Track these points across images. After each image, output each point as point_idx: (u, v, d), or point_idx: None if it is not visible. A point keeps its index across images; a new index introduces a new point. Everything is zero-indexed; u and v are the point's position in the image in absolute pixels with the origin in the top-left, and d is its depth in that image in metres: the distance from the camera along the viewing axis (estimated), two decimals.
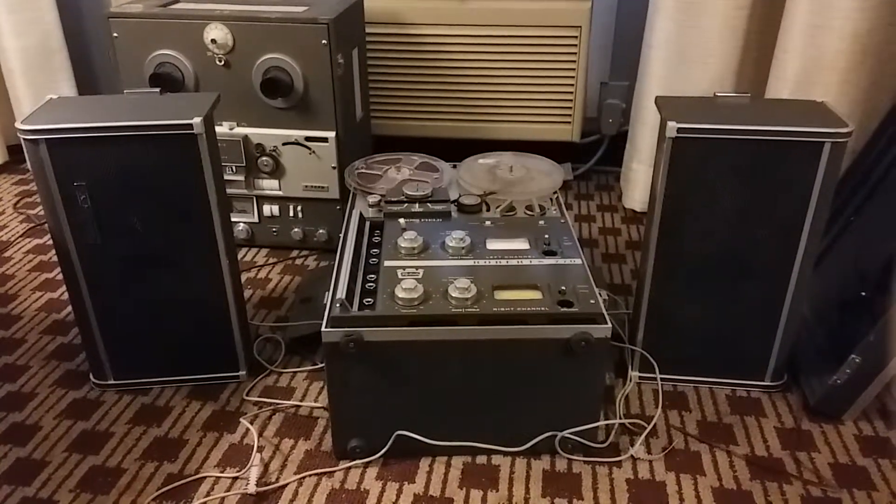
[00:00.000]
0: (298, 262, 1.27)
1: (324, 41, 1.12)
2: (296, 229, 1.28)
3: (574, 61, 1.38)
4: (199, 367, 0.95)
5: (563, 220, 0.95)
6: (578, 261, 0.85)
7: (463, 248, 0.87)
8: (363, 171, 1.07)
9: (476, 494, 0.80)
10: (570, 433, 0.83)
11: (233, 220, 1.26)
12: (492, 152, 1.11)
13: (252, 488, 0.80)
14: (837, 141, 0.79)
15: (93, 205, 0.83)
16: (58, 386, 0.96)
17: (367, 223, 0.95)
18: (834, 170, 0.81)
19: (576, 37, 1.36)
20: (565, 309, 0.77)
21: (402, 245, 0.87)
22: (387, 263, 0.85)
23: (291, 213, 1.27)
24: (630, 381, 0.96)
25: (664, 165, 0.83)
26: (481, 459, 0.84)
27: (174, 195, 0.85)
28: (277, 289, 1.19)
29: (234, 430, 0.89)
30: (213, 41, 1.14)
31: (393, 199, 0.98)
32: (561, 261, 0.85)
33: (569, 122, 1.45)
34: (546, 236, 0.90)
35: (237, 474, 0.83)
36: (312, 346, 1.02)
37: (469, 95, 1.44)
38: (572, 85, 1.41)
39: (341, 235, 0.92)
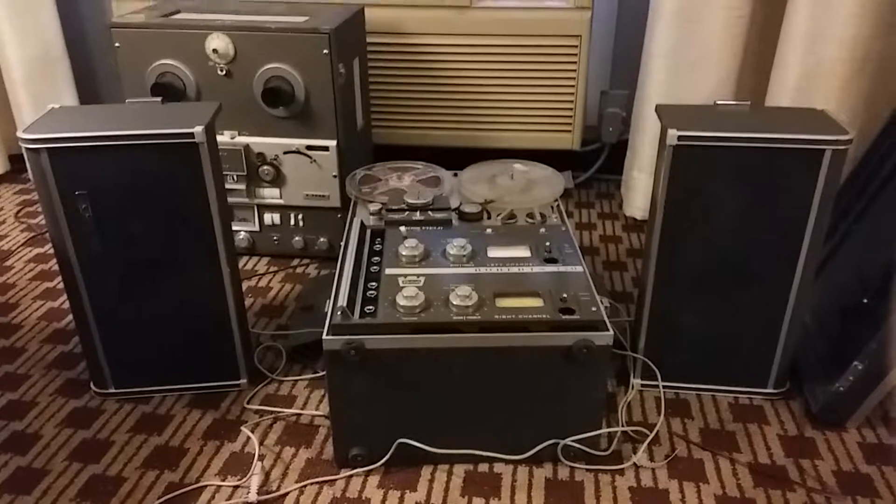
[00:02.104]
0: (299, 270, 1.27)
1: (325, 51, 1.13)
2: (297, 238, 1.28)
3: (574, 70, 1.38)
4: (200, 375, 0.95)
5: (563, 228, 0.95)
6: (580, 268, 0.85)
7: (464, 255, 0.87)
8: (364, 179, 1.07)
9: (478, 503, 0.79)
10: (573, 441, 0.83)
11: (234, 228, 1.26)
12: (493, 160, 1.11)
13: (253, 497, 0.80)
14: (838, 148, 0.79)
15: (94, 214, 0.83)
16: (58, 394, 0.96)
17: (368, 231, 0.95)
18: (835, 177, 0.81)
19: (576, 46, 1.36)
20: (567, 316, 0.77)
21: (404, 253, 0.87)
22: (388, 271, 0.85)
23: (292, 222, 1.27)
24: (632, 388, 0.96)
25: (665, 173, 0.83)
26: (483, 467, 0.84)
27: (175, 204, 0.85)
28: (278, 297, 1.19)
29: (235, 438, 0.89)
30: (215, 51, 1.14)
31: (394, 208, 0.98)
32: (562, 268, 0.85)
33: (569, 131, 1.45)
34: (547, 244, 0.90)
35: (238, 483, 0.82)
36: (313, 354, 1.02)
37: (469, 104, 1.44)
38: (572, 94, 1.41)
39: (342, 244, 0.92)
